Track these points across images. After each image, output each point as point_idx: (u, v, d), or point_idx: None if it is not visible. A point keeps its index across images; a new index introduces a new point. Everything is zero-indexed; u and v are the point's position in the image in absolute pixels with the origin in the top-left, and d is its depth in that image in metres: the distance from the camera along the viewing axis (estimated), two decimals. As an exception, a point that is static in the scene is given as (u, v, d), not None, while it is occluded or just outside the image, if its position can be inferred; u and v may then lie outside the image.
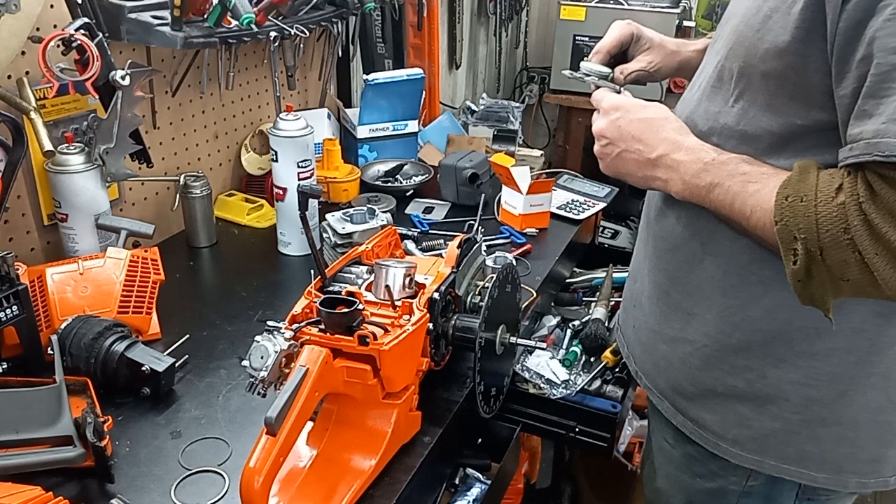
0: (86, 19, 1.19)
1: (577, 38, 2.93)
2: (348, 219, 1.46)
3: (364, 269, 1.09)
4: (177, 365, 1.10)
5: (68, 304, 1.13)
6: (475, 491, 1.15)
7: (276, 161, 1.47)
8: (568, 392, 1.33)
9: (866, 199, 0.71)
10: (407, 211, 1.74)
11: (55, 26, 1.27)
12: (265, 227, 1.65)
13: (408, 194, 1.82)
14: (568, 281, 1.73)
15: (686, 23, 2.93)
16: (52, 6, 1.27)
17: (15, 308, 1.05)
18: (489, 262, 1.23)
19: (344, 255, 1.12)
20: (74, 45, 1.17)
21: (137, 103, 1.29)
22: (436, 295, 1.00)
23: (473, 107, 2.71)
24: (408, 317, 0.97)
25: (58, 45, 1.17)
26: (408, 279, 1.02)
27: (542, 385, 1.33)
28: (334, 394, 0.93)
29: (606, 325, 1.46)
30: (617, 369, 1.38)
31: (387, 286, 1.00)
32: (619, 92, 1.06)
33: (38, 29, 1.22)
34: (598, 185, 1.89)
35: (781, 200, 0.78)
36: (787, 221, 0.77)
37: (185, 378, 1.13)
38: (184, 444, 1.00)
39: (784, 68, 0.81)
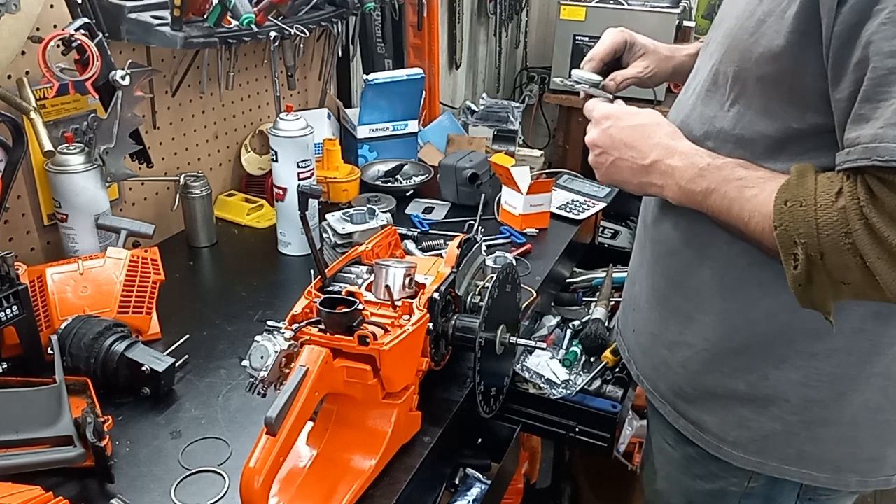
0: (86, 19, 1.19)
1: (577, 38, 2.93)
2: (348, 219, 1.46)
3: (364, 269, 1.09)
4: (177, 365, 1.10)
5: (68, 304, 1.13)
6: (475, 491, 1.15)
7: (276, 161, 1.47)
8: (568, 392, 1.33)
9: (867, 204, 0.71)
10: (407, 211, 1.74)
11: (55, 26, 1.27)
12: (265, 227, 1.65)
13: (408, 194, 1.82)
14: (568, 281, 1.73)
15: (686, 23, 2.93)
16: (52, 6, 1.27)
17: (15, 308, 1.05)
18: (489, 262, 1.23)
19: (344, 255, 1.12)
20: (74, 45, 1.17)
21: (137, 103, 1.29)
22: (436, 295, 1.00)
23: (473, 107, 2.71)
24: (408, 317, 0.97)
25: (58, 45, 1.17)
26: (408, 279, 1.02)
27: (542, 385, 1.33)
28: (334, 394, 0.93)
29: (606, 325, 1.46)
30: (617, 369, 1.38)
31: (387, 286, 1.00)
32: (612, 101, 1.05)
33: (38, 29, 1.22)
34: (598, 185, 1.89)
35: (780, 205, 0.78)
36: (786, 226, 0.77)
37: (185, 378, 1.13)
38: (184, 444, 1.00)
39: (779, 72, 0.81)
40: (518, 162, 1.90)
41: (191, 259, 1.54)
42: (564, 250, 1.62)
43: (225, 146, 1.76)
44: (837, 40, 0.74)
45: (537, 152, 2.51)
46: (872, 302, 0.84)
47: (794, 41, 0.78)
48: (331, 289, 1.03)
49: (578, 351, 1.41)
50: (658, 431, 1.13)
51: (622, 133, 0.96)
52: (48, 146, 1.21)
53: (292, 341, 0.90)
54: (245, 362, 0.89)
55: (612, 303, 1.57)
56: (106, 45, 1.22)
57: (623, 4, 2.86)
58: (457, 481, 1.16)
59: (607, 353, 1.38)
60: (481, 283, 1.16)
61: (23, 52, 1.22)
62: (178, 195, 1.52)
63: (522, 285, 1.29)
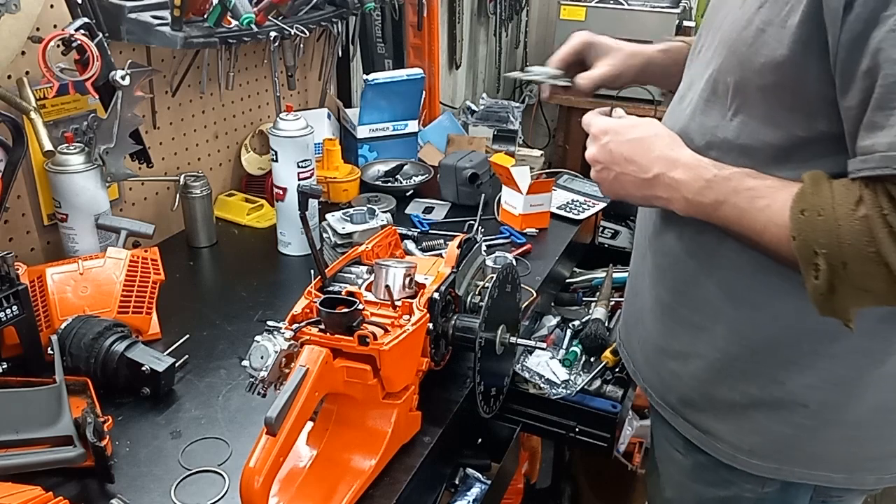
0: (86, 19, 1.19)
1: (577, 38, 2.93)
2: (348, 219, 1.46)
3: (364, 269, 1.09)
4: (177, 365, 1.10)
5: (68, 304, 1.13)
6: (475, 491, 1.15)
7: (276, 161, 1.47)
8: (568, 392, 1.33)
9: (890, 212, 0.71)
10: (407, 211, 1.74)
11: (55, 26, 1.27)
12: (265, 227, 1.65)
13: (408, 194, 1.82)
14: (568, 281, 1.73)
15: (686, 23, 2.93)
16: (52, 6, 1.27)
17: (15, 308, 1.05)
18: (489, 262, 1.23)
19: (344, 255, 1.12)
20: (74, 45, 1.17)
21: (137, 103, 1.29)
22: (436, 295, 1.00)
23: (473, 107, 2.71)
24: (408, 317, 0.97)
25: (58, 45, 1.17)
26: (408, 279, 1.02)
27: (542, 385, 1.33)
28: (334, 394, 0.93)
29: (606, 325, 1.46)
30: (617, 369, 1.38)
31: (387, 286, 1.00)
32: (609, 112, 1.02)
33: (38, 29, 1.22)
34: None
35: (797, 215, 0.77)
36: (805, 236, 0.76)
37: (185, 378, 1.13)
38: (184, 444, 1.00)
39: (783, 81, 0.80)
40: (518, 162, 1.90)
41: (191, 259, 1.54)
42: (564, 250, 1.62)
43: (225, 146, 1.76)
44: (844, 48, 0.73)
45: (537, 152, 2.51)
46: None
47: (797, 51, 0.77)
48: (331, 289, 1.03)
49: (578, 351, 1.41)
50: (666, 440, 1.12)
51: (622, 148, 0.95)
52: (48, 146, 1.21)
53: (292, 341, 0.90)
54: (245, 362, 0.89)
55: (612, 303, 1.57)
56: (106, 45, 1.22)
57: (623, 4, 2.86)
58: (457, 481, 1.16)
59: (607, 353, 1.38)
60: (481, 283, 1.16)
61: (23, 52, 1.22)
62: (178, 195, 1.52)
63: (522, 285, 1.29)
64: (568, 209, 1.76)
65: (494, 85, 3.52)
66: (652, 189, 0.92)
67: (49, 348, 1.03)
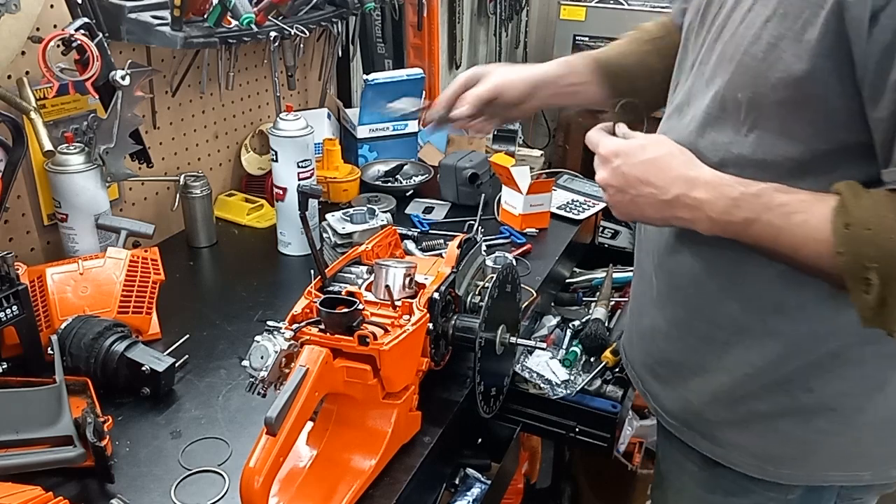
0: (86, 19, 1.19)
1: (577, 38, 2.93)
2: (348, 219, 1.46)
3: (364, 269, 1.09)
4: (177, 365, 1.10)
5: (68, 304, 1.13)
6: (475, 491, 1.15)
7: (276, 161, 1.47)
8: (568, 392, 1.32)
9: None
10: (407, 211, 1.74)
11: (55, 26, 1.27)
12: (265, 227, 1.65)
13: (408, 194, 1.82)
14: (568, 281, 1.73)
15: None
16: (52, 6, 1.27)
17: (15, 308, 1.05)
18: (489, 262, 1.23)
19: (344, 255, 1.12)
20: (74, 45, 1.17)
21: (137, 103, 1.29)
22: (436, 295, 1.00)
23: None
24: (408, 317, 0.97)
25: (58, 45, 1.17)
26: (408, 279, 1.02)
27: (542, 385, 1.33)
28: (334, 394, 0.93)
29: (606, 325, 1.46)
30: (617, 369, 1.38)
31: (387, 286, 1.00)
32: (612, 130, 0.97)
33: (38, 29, 1.22)
34: (598, 185, 1.89)
35: (841, 229, 0.75)
36: (854, 251, 0.75)
37: (185, 378, 1.13)
38: (184, 444, 1.00)
39: (802, 96, 0.79)
40: (518, 162, 1.89)
41: (191, 259, 1.54)
42: (564, 250, 1.62)
43: (225, 146, 1.76)
44: (873, 60, 0.72)
45: (537, 152, 2.51)
46: None
47: (819, 65, 0.76)
48: (331, 289, 1.03)
49: (578, 351, 1.41)
50: (680, 454, 1.09)
51: (635, 170, 0.90)
52: (48, 146, 1.21)
53: (292, 341, 0.90)
54: (245, 362, 0.89)
55: (612, 303, 1.57)
56: (106, 45, 1.22)
57: (623, 4, 2.86)
58: (457, 481, 1.16)
59: (607, 353, 1.38)
60: (481, 283, 1.16)
61: (23, 52, 1.22)
62: (178, 195, 1.52)
63: (522, 285, 1.28)
64: (568, 209, 1.76)
65: (494, 85, 3.52)
66: (672, 210, 0.88)
67: (49, 348, 1.03)
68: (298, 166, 1.46)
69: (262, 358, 0.88)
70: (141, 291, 1.19)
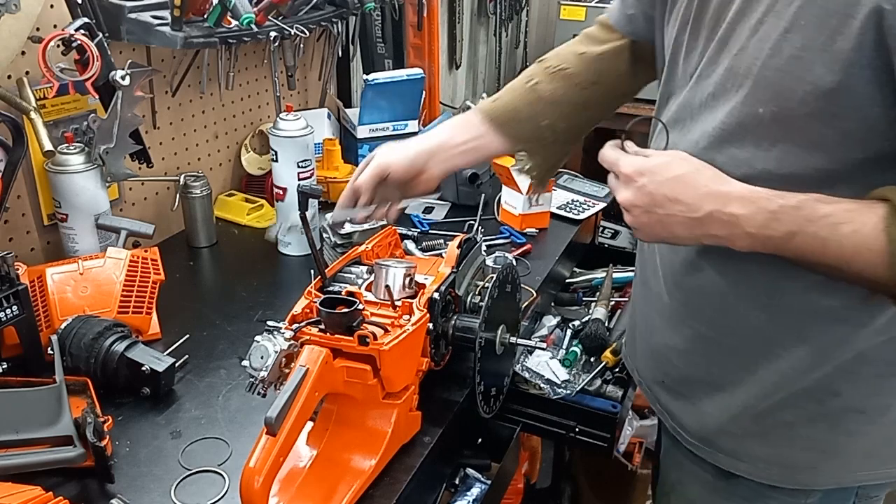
0: (86, 19, 1.19)
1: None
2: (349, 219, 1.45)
3: (364, 269, 1.09)
4: (177, 365, 1.10)
5: (68, 304, 1.13)
6: (475, 491, 1.15)
7: (276, 161, 1.47)
8: (568, 392, 1.32)
9: None
10: (407, 211, 1.74)
11: (55, 26, 1.27)
12: (265, 227, 1.65)
13: (408, 194, 1.81)
14: (568, 281, 1.73)
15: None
16: (52, 6, 1.27)
17: (15, 308, 1.05)
18: (489, 262, 1.23)
19: (344, 255, 1.12)
20: (74, 45, 1.17)
21: (137, 103, 1.29)
22: (436, 295, 1.00)
23: (473, 107, 2.70)
24: (408, 317, 0.97)
25: (58, 45, 1.17)
26: (408, 279, 1.02)
27: (542, 385, 1.33)
28: (334, 394, 0.93)
29: (606, 325, 1.46)
30: (617, 369, 1.38)
31: (387, 286, 1.00)
32: (622, 146, 0.92)
33: (38, 29, 1.22)
34: (598, 185, 1.89)
35: None
36: None
37: (185, 378, 1.13)
38: (184, 444, 1.00)
39: (835, 107, 0.77)
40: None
41: (191, 259, 1.54)
42: (564, 250, 1.62)
43: (225, 146, 1.76)
44: None
45: (537, 152, 2.50)
46: None
47: (854, 74, 0.74)
48: (331, 289, 1.03)
49: (578, 351, 1.41)
50: (695, 465, 1.07)
51: (663, 188, 0.85)
52: (48, 146, 1.21)
53: (292, 341, 0.90)
54: (245, 362, 0.89)
55: (612, 303, 1.57)
56: (106, 45, 1.22)
57: (623, 4, 2.85)
58: (457, 481, 1.16)
59: (607, 353, 1.38)
60: (481, 283, 1.16)
61: (23, 52, 1.22)
62: (178, 195, 1.52)
63: (522, 285, 1.28)
64: (568, 209, 1.76)
65: (494, 85, 3.52)
66: (704, 228, 0.84)
67: (49, 348, 1.03)
68: (298, 166, 1.46)
69: (262, 358, 0.88)
70: (141, 291, 1.19)
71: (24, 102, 1.21)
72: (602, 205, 1.81)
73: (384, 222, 1.23)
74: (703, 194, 0.84)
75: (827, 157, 0.80)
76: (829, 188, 0.80)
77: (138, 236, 1.35)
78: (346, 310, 0.90)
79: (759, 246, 0.83)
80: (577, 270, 1.77)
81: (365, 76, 1.88)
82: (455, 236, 1.19)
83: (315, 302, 0.94)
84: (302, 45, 1.68)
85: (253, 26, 1.36)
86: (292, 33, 1.45)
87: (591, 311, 1.52)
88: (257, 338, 0.90)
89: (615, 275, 1.67)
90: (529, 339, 1.34)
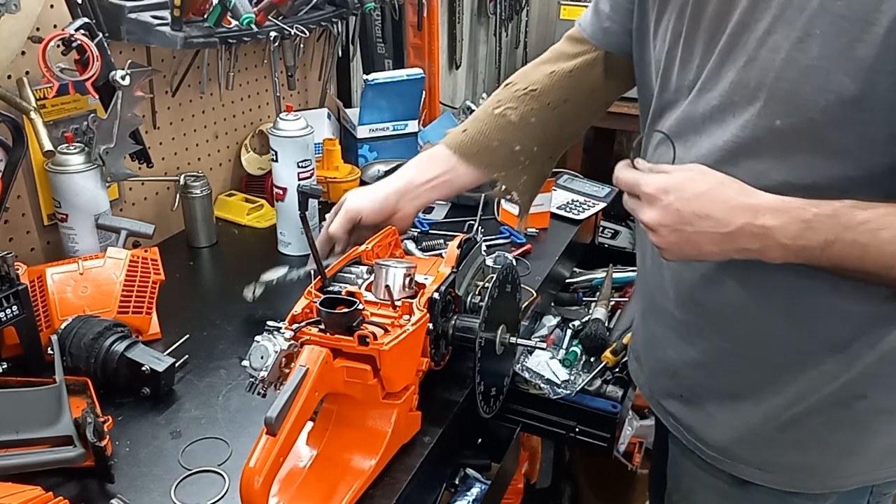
0: (86, 19, 1.19)
1: (577, 38, 2.93)
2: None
3: (364, 269, 1.09)
4: (177, 365, 1.10)
5: (68, 304, 1.13)
6: (475, 491, 1.15)
7: (276, 161, 1.47)
8: (568, 392, 1.32)
9: None
10: (407, 211, 1.74)
11: (55, 26, 1.27)
12: (265, 227, 1.65)
13: (408, 194, 1.81)
14: (568, 281, 1.73)
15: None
16: (52, 6, 1.27)
17: (15, 308, 1.05)
18: (489, 262, 1.23)
19: (344, 255, 1.12)
20: (74, 45, 1.17)
21: (137, 103, 1.29)
22: (436, 295, 1.00)
23: (473, 107, 2.70)
24: (408, 317, 0.97)
25: (58, 45, 1.17)
26: (408, 279, 1.02)
27: (542, 385, 1.33)
28: (334, 394, 0.93)
29: (606, 325, 1.46)
30: (617, 369, 1.38)
31: (387, 286, 1.00)
32: (632, 163, 0.90)
33: (38, 29, 1.22)
34: (598, 185, 1.90)
35: None
36: None
37: (185, 378, 1.13)
38: (184, 444, 1.00)
39: (859, 115, 0.76)
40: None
41: (191, 259, 1.54)
42: (564, 250, 1.62)
43: (225, 146, 1.76)
44: None
45: (537, 152, 2.50)
46: None
47: (877, 82, 0.73)
48: (331, 289, 1.03)
49: (578, 351, 1.41)
50: (709, 475, 1.06)
51: (690, 205, 0.82)
52: (48, 146, 1.21)
53: (292, 341, 0.90)
54: (245, 362, 0.89)
55: (612, 303, 1.57)
56: (106, 45, 1.22)
57: (623, 4, 2.85)
58: (457, 481, 1.16)
59: (607, 353, 1.38)
60: (481, 283, 1.16)
61: (23, 52, 1.22)
62: (178, 195, 1.52)
63: (522, 285, 1.28)
64: (568, 209, 1.76)
65: (494, 85, 3.52)
66: (735, 242, 0.82)
67: (49, 348, 1.03)
68: (298, 166, 1.46)
69: (262, 358, 0.88)
70: (141, 291, 1.19)
71: (24, 102, 1.21)
72: (602, 205, 1.81)
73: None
74: (732, 207, 0.81)
75: (849, 164, 0.79)
76: (850, 195, 0.78)
77: (138, 236, 1.35)
78: (346, 310, 0.90)
79: (792, 257, 0.81)
80: (577, 270, 1.77)
81: (365, 76, 1.89)
82: (455, 236, 1.19)
83: (315, 302, 0.94)
84: (302, 45, 1.68)
85: (253, 26, 1.36)
86: (292, 33, 1.45)
87: (591, 311, 1.52)
88: (257, 338, 0.90)
89: (615, 275, 1.67)
90: (529, 339, 1.34)
